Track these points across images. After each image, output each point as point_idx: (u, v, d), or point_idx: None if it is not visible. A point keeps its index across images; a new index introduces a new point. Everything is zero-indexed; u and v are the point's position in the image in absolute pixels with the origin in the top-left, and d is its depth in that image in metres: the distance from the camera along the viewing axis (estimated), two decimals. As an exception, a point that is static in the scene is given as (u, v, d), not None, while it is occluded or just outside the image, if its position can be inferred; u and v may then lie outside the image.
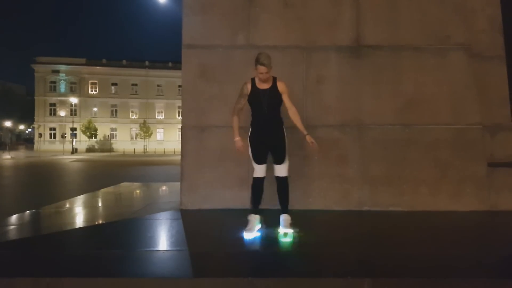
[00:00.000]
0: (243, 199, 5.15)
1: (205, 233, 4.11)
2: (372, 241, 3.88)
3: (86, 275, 2.89)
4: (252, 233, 3.90)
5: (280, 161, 4.04)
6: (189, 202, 5.20)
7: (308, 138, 4.03)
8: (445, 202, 5.13)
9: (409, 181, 5.18)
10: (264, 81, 4.00)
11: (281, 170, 4.05)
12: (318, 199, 5.18)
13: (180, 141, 5.38)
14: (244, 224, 3.99)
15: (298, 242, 3.78)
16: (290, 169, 4.11)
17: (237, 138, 4.00)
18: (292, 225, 3.98)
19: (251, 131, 4.08)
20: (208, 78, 5.29)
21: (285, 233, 3.89)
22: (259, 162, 4.03)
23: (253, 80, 4.08)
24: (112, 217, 5.11)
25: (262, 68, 3.90)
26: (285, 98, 4.06)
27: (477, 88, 5.25)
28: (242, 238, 3.82)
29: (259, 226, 4.07)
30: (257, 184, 4.08)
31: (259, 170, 4.04)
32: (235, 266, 3.19)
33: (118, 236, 4.05)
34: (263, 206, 4.14)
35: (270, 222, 4.13)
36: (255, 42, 5.28)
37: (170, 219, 4.81)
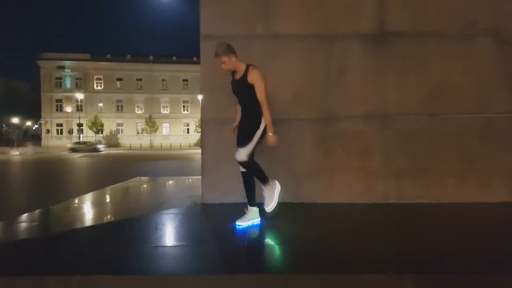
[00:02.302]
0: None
1: (231, 228, 4.00)
2: (403, 235, 3.74)
3: (116, 272, 2.78)
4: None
5: (239, 143, 3.93)
6: (210, 196, 5.09)
7: (270, 132, 3.86)
8: (474, 193, 4.98)
9: (436, 172, 5.03)
10: (234, 70, 3.91)
11: (239, 153, 3.91)
12: (342, 192, 5.04)
13: (200, 135, 5.26)
14: (265, 219, 3.94)
15: (328, 237, 3.66)
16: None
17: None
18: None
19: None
20: (223, 70, 5.14)
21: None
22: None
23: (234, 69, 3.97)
24: (134, 212, 5.02)
25: (219, 60, 3.85)
26: (256, 89, 3.79)
27: (506, 75, 5.07)
28: (267, 233, 3.72)
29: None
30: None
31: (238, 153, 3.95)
32: (267, 261, 3.08)
33: (144, 232, 3.95)
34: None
35: (292, 216, 3.99)
36: (274, 31, 5.12)
37: (193, 214, 4.73)
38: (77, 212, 5.30)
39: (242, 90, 3.88)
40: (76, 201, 6.31)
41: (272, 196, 4.08)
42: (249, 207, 4.06)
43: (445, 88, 5.08)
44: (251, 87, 3.79)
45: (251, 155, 3.96)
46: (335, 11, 5.13)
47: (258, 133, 3.90)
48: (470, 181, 5.01)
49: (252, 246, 3.46)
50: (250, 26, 5.15)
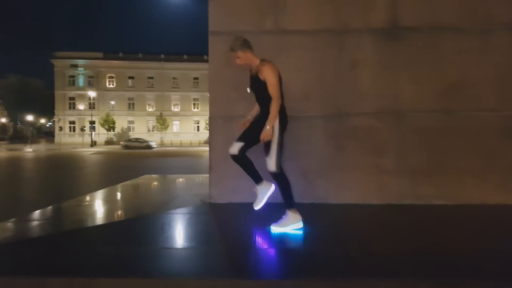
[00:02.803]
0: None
1: (238, 229, 3.88)
2: (419, 237, 3.58)
3: (119, 274, 2.68)
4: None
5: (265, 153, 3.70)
6: (217, 195, 4.98)
7: (266, 128, 3.57)
8: (492, 194, 4.78)
9: (453, 172, 4.85)
10: (249, 66, 3.77)
11: (267, 164, 3.67)
12: (354, 192, 4.89)
13: (208, 132, 5.16)
14: (274, 219, 3.77)
15: (340, 239, 3.52)
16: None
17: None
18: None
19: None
20: (235, 66, 5.02)
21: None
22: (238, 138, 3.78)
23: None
24: (139, 211, 4.94)
25: (232, 55, 3.69)
26: (267, 84, 3.58)
27: (526, 71, 4.86)
28: (275, 235, 3.60)
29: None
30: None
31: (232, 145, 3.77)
32: (276, 265, 2.96)
33: (149, 232, 3.85)
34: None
35: (303, 217, 3.85)
36: (284, 26, 4.99)
37: (200, 213, 4.62)
38: (84, 211, 5.24)
39: (256, 87, 3.74)
40: (84, 199, 6.25)
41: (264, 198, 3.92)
42: (287, 211, 3.74)
43: (462, 85, 4.89)
44: (265, 84, 3.61)
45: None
46: (346, 5, 4.97)
47: (279, 133, 3.66)
48: (489, 181, 4.82)
49: (259, 248, 3.35)
50: (259, 21, 5.02)
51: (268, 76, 3.58)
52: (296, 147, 4.89)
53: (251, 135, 3.70)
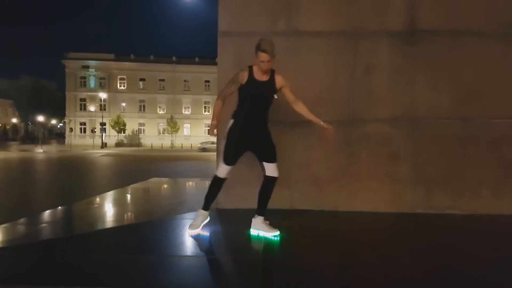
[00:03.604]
0: (283, 198, 4.77)
1: (245, 238, 3.72)
2: (434, 249, 3.40)
3: (119, 285, 2.55)
4: (197, 230, 3.69)
5: (272, 159, 3.68)
6: (225, 201, 4.84)
7: (325, 124, 3.70)
8: (509, 205, 4.59)
9: (469, 181, 4.65)
10: (264, 71, 3.53)
11: (273, 169, 3.69)
12: (366, 200, 4.72)
13: (216, 136, 5.01)
14: (284, 227, 3.68)
15: (350, 251, 3.35)
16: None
17: (214, 122, 3.64)
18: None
19: (233, 125, 3.67)
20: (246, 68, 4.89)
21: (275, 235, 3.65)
22: (230, 162, 3.66)
23: (251, 68, 3.58)
24: (144, 216, 4.83)
25: (263, 56, 3.41)
26: (287, 91, 3.68)
27: (549, 77, 4.66)
28: (284, 246, 3.45)
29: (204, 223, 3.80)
30: (219, 184, 3.78)
31: (226, 171, 3.70)
32: (283, 279, 2.79)
33: (153, 238, 3.71)
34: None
35: (313, 226, 3.69)
36: (297, 28, 4.84)
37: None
38: (89, 214, 5.12)
39: (269, 94, 3.61)
40: (90, 201, 6.15)
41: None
42: (262, 217, 3.80)
43: (481, 91, 4.70)
44: (276, 91, 3.62)
45: None
46: (362, 6, 4.81)
47: None
48: (506, 191, 4.64)
49: (267, 260, 3.15)
50: (270, 22, 4.88)
51: (287, 83, 3.66)
52: (308, 154, 4.75)
53: (240, 155, 3.72)
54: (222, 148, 3.78)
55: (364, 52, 4.79)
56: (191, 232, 3.66)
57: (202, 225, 3.75)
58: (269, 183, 3.73)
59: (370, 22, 4.81)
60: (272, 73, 3.60)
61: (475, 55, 4.72)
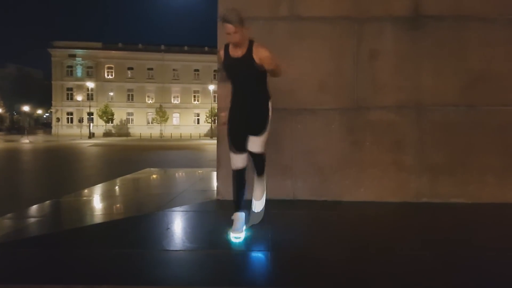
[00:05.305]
0: (285, 189, 4.67)
1: (249, 230, 3.61)
2: (444, 240, 3.33)
3: (119, 282, 2.41)
4: (240, 233, 3.25)
5: (255, 131, 3.31)
6: (226, 192, 4.68)
7: None
8: (515, 193, 4.54)
9: (475, 169, 4.59)
10: (236, 45, 3.18)
11: (253, 143, 3.32)
12: (370, 190, 4.63)
13: (216, 125, 4.87)
14: (287, 219, 3.61)
15: (356, 242, 3.26)
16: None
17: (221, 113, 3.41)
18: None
19: (228, 111, 3.41)
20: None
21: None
22: (233, 149, 3.37)
23: (226, 45, 3.27)
24: (143, 209, 4.68)
25: (228, 27, 3.05)
26: (268, 63, 3.18)
27: (556, 63, 4.59)
28: (287, 238, 3.34)
29: (244, 225, 3.38)
30: (236, 177, 3.43)
31: (236, 160, 3.38)
32: (287, 272, 2.66)
33: (153, 232, 3.59)
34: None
35: (316, 216, 3.59)
36: (299, 13, 4.68)
37: (208, 211, 4.39)
38: (82, 208, 4.95)
39: (246, 70, 3.23)
40: (82, 194, 5.98)
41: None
42: (238, 214, 3.39)
43: (487, 77, 4.62)
44: (257, 67, 3.19)
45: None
46: (366, -10, 4.67)
47: (269, 118, 3.36)
48: (512, 179, 4.57)
49: (271, 252, 3.03)
50: (273, 7, 4.72)
51: (268, 56, 3.17)
52: (311, 142, 4.63)
53: (243, 140, 3.37)
54: None
55: (368, 38, 4.67)
56: (236, 239, 3.23)
57: (244, 227, 3.34)
58: (253, 160, 3.42)
59: (374, 7, 4.68)
60: (250, 46, 3.21)
61: (481, 40, 4.63)
